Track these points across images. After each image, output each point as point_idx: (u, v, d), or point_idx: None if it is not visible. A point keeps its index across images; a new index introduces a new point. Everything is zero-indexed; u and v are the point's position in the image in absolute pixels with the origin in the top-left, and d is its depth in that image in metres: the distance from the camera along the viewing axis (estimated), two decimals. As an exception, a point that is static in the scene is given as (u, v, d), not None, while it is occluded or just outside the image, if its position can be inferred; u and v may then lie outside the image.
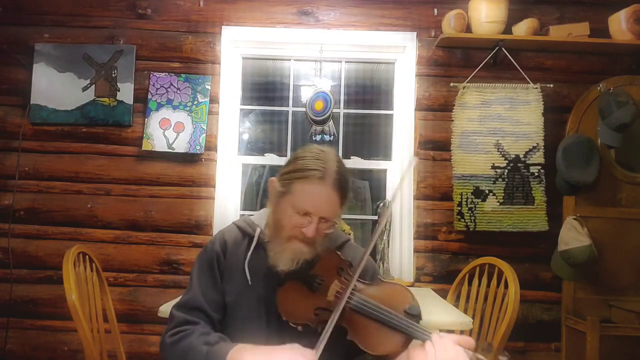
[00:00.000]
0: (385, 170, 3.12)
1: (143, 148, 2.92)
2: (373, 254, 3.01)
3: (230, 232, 1.48)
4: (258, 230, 1.44)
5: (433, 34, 3.00)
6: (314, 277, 1.35)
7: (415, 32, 3.01)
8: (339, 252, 1.40)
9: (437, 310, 2.19)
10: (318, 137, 2.98)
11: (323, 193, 1.30)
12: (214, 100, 2.97)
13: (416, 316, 1.26)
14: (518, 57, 2.93)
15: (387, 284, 1.36)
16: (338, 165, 1.33)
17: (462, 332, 2.35)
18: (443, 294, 2.68)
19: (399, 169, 3.05)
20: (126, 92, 2.95)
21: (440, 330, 1.97)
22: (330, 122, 2.98)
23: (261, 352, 1.25)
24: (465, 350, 1.17)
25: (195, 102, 2.94)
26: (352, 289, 1.29)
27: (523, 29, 2.87)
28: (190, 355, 1.28)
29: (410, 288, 2.81)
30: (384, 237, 2.92)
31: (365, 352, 1.27)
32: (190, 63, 3.00)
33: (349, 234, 2.96)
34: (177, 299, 1.50)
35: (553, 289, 2.90)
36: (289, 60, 3.16)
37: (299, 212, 1.31)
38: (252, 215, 1.54)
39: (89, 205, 2.95)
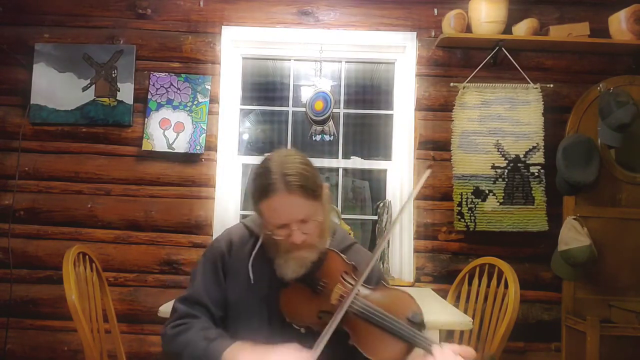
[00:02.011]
0: (385, 170, 3.12)
1: (143, 148, 2.92)
2: (373, 254, 3.00)
3: (237, 231, 1.49)
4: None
5: (433, 34, 3.00)
6: (318, 280, 1.34)
7: (415, 32, 3.01)
8: (343, 255, 1.39)
9: (437, 310, 2.19)
10: (318, 137, 2.98)
11: (284, 201, 1.26)
12: (214, 100, 2.97)
13: (419, 324, 1.26)
14: (518, 57, 2.93)
15: (391, 290, 1.35)
16: (289, 166, 1.28)
17: (462, 332, 2.36)
18: (443, 294, 2.68)
19: (400, 169, 3.05)
20: (126, 92, 2.95)
21: (441, 331, 1.98)
22: (330, 122, 2.98)
23: (258, 351, 1.25)
24: None
25: (195, 102, 2.94)
26: (356, 294, 1.29)
27: (523, 29, 2.87)
28: (189, 348, 1.30)
29: (410, 288, 2.82)
30: (388, 238, 2.91)
31: (366, 358, 1.27)
32: (190, 63, 3.00)
33: (349, 234, 2.96)
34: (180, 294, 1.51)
35: (553, 289, 2.90)
36: (289, 60, 3.16)
37: (276, 226, 1.30)
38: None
39: (89, 205, 2.95)
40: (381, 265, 2.88)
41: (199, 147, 2.91)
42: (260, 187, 1.29)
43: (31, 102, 2.94)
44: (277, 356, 1.23)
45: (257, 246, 1.42)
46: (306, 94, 3.05)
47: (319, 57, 3.04)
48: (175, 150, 2.91)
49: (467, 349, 1.19)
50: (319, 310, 1.32)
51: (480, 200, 2.83)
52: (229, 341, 1.30)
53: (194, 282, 1.44)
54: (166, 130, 2.92)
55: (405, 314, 1.27)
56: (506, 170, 2.84)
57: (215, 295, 1.41)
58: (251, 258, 1.41)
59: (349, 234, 2.94)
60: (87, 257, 2.22)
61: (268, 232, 1.32)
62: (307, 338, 1.32)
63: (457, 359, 1.16)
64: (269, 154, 1.37)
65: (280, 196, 1.26)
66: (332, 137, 3.01)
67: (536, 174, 2.84)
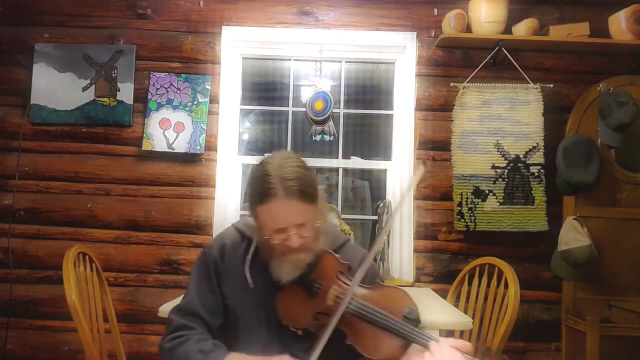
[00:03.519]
0: (385, 170, 3.12)
1: (143, 148, 2.92)
2: (373, 254, 3.00)
3: (229, 235, 1.48)
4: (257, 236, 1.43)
5: (433, 34, 3.00)
6: (313, 282, 1.35)
7: (415, 32, 3.01)
8: (337, 255, 1.39)
9: (437, 310, 2.19)
10: (318, 137, 2.98)
11: (282, 206, 1.26)
12: (214, 100, 2.97)
13: (415, 320, 1.26)
14: (518, 57, 2.93)
15: (386, 288, 1.36)
16: (287, 170, 1.27)
17: (462, 332, 2.36)
18: (443, 294, 2.68)
19: (400, 169, 3.05)
20: (126, 92, 2.95)
21: (441, 331, 1.98)
22: (330, 122, 2.98)
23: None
24: (463, 354, 1.17)
25: (195, 102, 2.94)
26: (352, 294, 1.29)
27: (523, 29, 2.87)
28: None
29: (410, 288, 2.82)
30: (384, 237, 2.91)
31: (364, 357, 1.28)
32: (190, 63, 3.00)
33: (349, 234, 2.96)
34: (176, 301, 1.51)
35: (553, 289, 2.90)
36: (289, 60, 3.16)
37: (274, 231, 1.29)
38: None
39: (89, 205, 2.94)
40: (381, 265, 2.88)
41: (199, 147, 2.91)
42: (258, 192, 1.28)
43: (31, 102, 2.94)
44: None
45: (252, 250, 1.41)
46: (306, 94, 3.05)
47: (319, 57, 3.04)
48: (175, 150, 2.91)
49: (463, 343, 1.20)
50: (315, 312, 1.32)
51: (480, 200, 2.83)
52: (224, 352, 1.31)
53: (187, 292, 1.44)
54: (166, 130, 2.92)
55: (402, 311, 1.27)
56: (506, 170, 2.84)
57: (210, 303, 1.41)
58: (247, 262, 1.40)
59: (349, 234, 2.95)
60: (87, 257, 2.22)
61: (266, 237, 1.31)
62: (304, 340, 1.33)
63: (453, 352, 1.16)
64: (266, 156, 1.36)
65: (279, 201, 1.25)
66: (332, 137, 3.01)
67: (536, 174, 2.84)
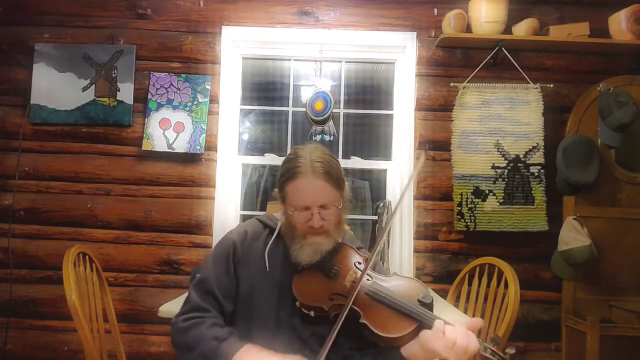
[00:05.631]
0: (385, 170, 3.12)
1: (143, 148, 2.92)
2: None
3: (252, 224, 1.57)
4: (280, 224, 1.52)
5: (433, 34, 3.00)
6: (332, 265, 1.42)
7: (415, 32, 3.01)
8: (356, 248, 1.48)
9: (437, 310, 2.19)
10: (318, 137, 2.98)
11: (309, 184, 1.37)
12: (214, 100, 2.97)
13: (428, 305, 1.32)
14: (518, 57, 2.93)
15: (401, 277, 1.43)
16: (317, 155, 1.40)
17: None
18: (443, 294, 2.68)
19: (400, 169, 3.05)
20: (126, 92, 2.95)
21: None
22: (330, 122, 2.98)
23: (267, 356, 1.30)
24: (476, 338, 1.23)
25: (195, 102, 2.94)
26: (368, 277, 1.37)
27: (523, 29, 2.87)
28: (200, 347, 1.34)
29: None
30: (384, 237, 2.91)
31: (376, 338, 1.31)
32: (190, 63, 3.00)
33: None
34: (177, 301, 1.53)
35: (553, 289, 2.90)
36: (289, 60, 3.16)
37: (298, 208, 1.38)
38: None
39: (89, 205, 2.95)
40: (381, 265, 2.88)
41: (199, 147, 2.91)
42: (289, 170, 1.41)
43: (31, 102, 2.94)
44: None
45: (275, 235, 1.49)
46: (306, 94, 3.05)
47: (319, 57, 3.04)
48: (175, 150, 2.91)
49: (475, 323, 1.27)
50: (332, 293, 1.37)
51: (480, 200, 2.83)
52: (239, 342, 1.34)
53: (206, 267, 1.50)
54: (166, 130, 2.92)
55: (417, 296, 1.33)
56: (506, 170, 2.84)
57: (225, 286, 1.45)
58: (268, 246, 1.48)
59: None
60: (87, 257, 2.22)
61: (290, 213, 1.39)
62: (314, 323, 1.38)
63: (469, 334, 1.21)
64: (296, 147, 1.48)
65: (307, 178, 1.37)
66: (332, 137, 3.01)
67: (536, 174, 2.84)
